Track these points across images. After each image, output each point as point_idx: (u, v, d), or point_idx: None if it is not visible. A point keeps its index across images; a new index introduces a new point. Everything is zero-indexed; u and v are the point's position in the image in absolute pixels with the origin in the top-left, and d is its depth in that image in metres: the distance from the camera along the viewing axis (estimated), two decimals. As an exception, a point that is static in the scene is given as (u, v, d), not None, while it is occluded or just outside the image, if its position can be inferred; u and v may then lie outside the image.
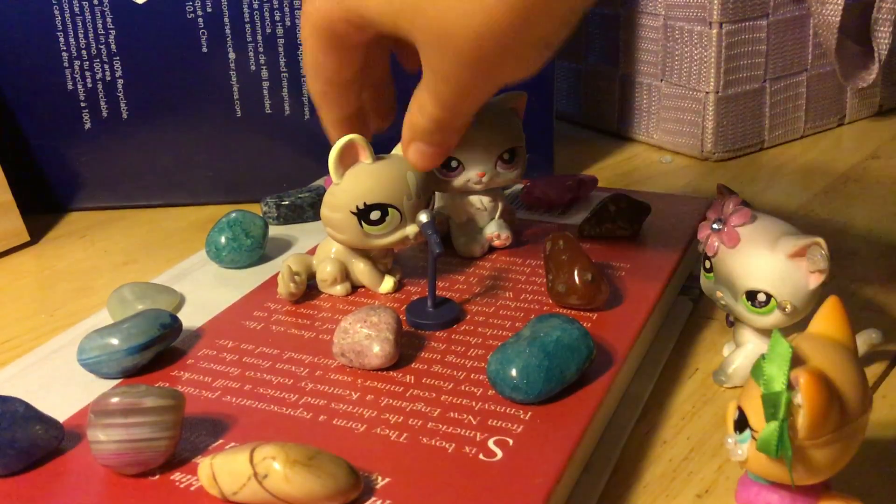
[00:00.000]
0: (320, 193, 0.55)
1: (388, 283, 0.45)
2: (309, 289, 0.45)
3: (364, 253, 0.45)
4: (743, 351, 0.41)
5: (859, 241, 0.56)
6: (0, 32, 0.60)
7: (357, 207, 0.42)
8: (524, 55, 0.34)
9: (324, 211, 0.44)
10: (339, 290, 0.45)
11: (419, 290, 0.45)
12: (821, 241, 0.37)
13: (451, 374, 0.38)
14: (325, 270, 0.45)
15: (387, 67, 0.44)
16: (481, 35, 0.31)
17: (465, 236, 0.49)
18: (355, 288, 0.46)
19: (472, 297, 0.44)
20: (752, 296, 0.38)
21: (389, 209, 0.43)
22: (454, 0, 0.31)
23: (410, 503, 0.31)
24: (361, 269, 0.45)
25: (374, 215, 0.42)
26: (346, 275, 0.45)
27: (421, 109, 0.38)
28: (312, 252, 0.47)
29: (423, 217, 0.42)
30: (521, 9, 0.30)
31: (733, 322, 0.41)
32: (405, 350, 0.39)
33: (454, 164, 0.46)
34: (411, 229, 0.43)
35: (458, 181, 0.47)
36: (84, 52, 0.61)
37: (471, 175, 0.46)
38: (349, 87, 0.41)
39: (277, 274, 0.45)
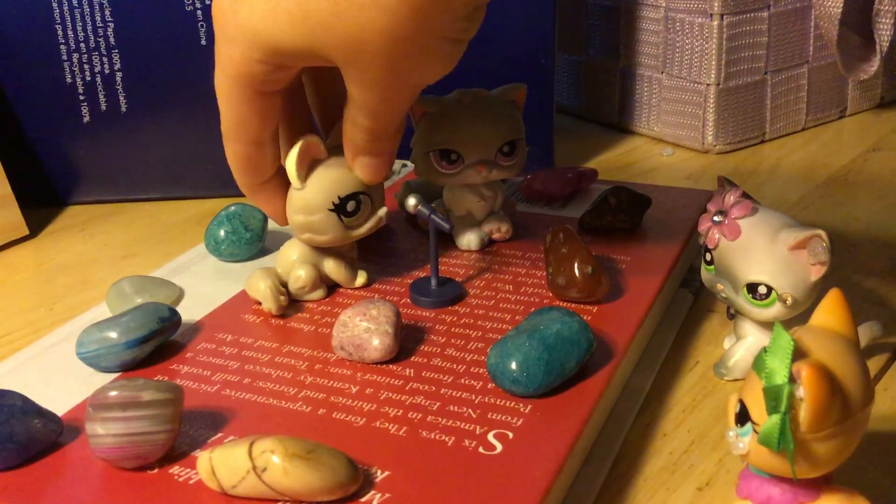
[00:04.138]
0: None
1: (361, 277, 0.45)
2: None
3: (331, 251, 0.44)
4: (744, 344, 0.41)
5: (860, 234, 0.56)
6: (-2, 25, 0.60)
7: (333, 203, 0.42)
8: (433, 50, 0.36)
9: (296, 218, 0.42)
10: (320, 294, 0.44)
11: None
12: (822, 233, 0.36)
13: (450, 368, 0.38)
14: (299, 278, 0.43)
15: (309, 123, 0.45)
16: (388, 35, 0.34)
17: (465, 229, 0.49)
18: (329, 288, 0.45)
19: (472, 290, 0.44)
20: (753, 288, 0.38)
21: (361, 196, 0.43)
22: (357, 9, 0.33)
23: (410, 496, 0.31)
24: (332, 267, 0.44)
25: (351, 206, 0.42)
26: (320, 278, 0.44)
27: (354, 124, 0.40)
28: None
29: (412, 200, 0.43)
30: (418, 5, 0.33)
31: (734, 315, 0.41)
32: (404, 343, 0.39)
33: (454, 157, 0.46)
34: (383, 210, 0.44)
35: (458, 174, 0.46)
36: (83, 44, 0.61)
37: (470, 168, 0.46)
38: (272, 147, 0.42)
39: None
